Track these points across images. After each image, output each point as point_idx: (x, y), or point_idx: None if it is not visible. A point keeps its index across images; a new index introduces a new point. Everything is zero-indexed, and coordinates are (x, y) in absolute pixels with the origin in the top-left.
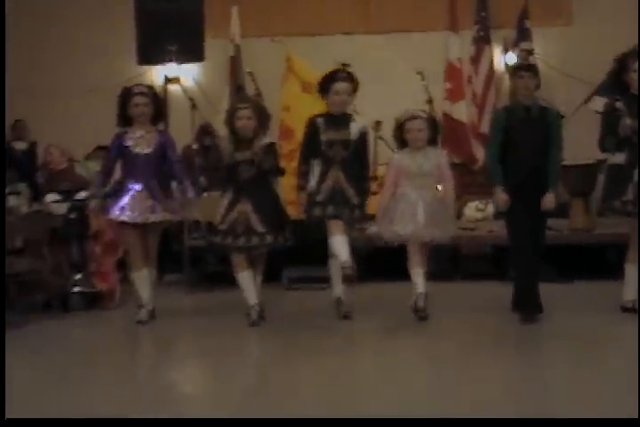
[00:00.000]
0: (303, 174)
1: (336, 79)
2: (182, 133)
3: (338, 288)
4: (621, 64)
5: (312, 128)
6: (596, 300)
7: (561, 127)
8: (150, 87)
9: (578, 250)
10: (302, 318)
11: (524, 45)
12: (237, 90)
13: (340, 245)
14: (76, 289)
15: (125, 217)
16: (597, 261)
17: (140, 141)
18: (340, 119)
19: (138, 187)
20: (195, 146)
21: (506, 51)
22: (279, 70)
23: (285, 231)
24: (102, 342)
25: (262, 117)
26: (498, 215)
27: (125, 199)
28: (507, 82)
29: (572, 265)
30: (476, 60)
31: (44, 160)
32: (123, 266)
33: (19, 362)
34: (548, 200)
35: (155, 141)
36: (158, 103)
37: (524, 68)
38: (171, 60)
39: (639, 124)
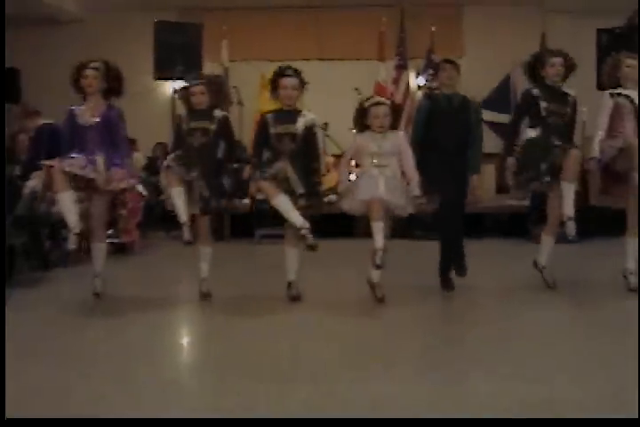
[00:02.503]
0: (255, 165)
1: (283, 74)
2: None
3: (291, 272)
4: (537, 59)
5: (262, 123)
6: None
7: (480, 116)
8: (106, 63)
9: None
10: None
11: (431, 71)
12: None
13: (287, 206)
14: (108, 240)
15: (68, 168)
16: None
17: (86, 112)
18: (289, 114)
19: (82, 157)
20: None
21: (417, 75)
22: (255, 85)
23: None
24: (124, 278)
25: (217, 92)
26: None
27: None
28: (418, 96)
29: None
30: (396, 81)
31: None
32: (140, 226)
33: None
34: (474, 182)
35: (100, 113)
36: (112, 79)
37: (448, 62)
38: (178, 78)
39: (553, 106)
